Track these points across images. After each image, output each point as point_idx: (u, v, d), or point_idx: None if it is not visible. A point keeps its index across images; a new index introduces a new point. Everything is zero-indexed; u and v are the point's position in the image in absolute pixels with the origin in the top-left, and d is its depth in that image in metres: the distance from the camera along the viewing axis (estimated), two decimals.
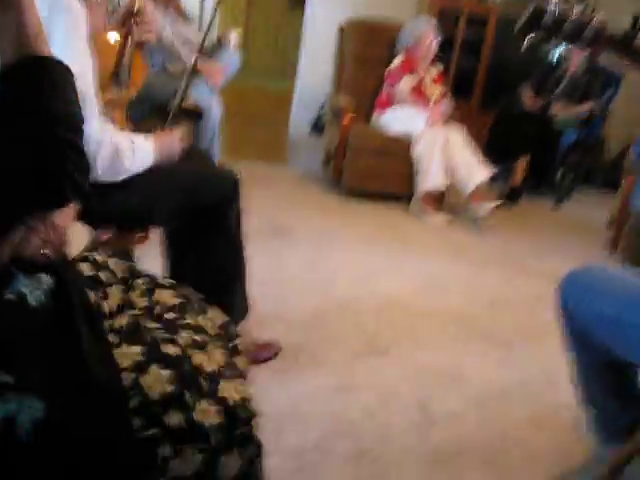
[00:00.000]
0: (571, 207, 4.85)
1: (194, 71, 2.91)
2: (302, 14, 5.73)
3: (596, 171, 5.46)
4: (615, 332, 1.48)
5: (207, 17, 5.76)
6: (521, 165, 4.61)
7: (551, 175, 4.83)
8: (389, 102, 4.16)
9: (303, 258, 3.07)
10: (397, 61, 4.20)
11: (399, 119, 4.04)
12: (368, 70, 4.40)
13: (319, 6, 5.57)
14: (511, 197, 4.60)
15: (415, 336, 2.49)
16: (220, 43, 3.61)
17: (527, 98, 4.80)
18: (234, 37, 3.59)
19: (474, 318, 2.73)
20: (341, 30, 4.48)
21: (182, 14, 3.54)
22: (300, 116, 5.81)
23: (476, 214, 3.91)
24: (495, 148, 4.80)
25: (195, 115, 3.33)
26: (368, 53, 4.42)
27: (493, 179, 5.02)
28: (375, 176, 4.04)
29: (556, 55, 5.33)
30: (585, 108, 4.71)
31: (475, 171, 3.91)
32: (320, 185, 4.26)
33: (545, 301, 2.05)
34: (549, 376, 2.31)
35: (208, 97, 3.38)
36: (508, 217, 4.27)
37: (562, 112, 4.69)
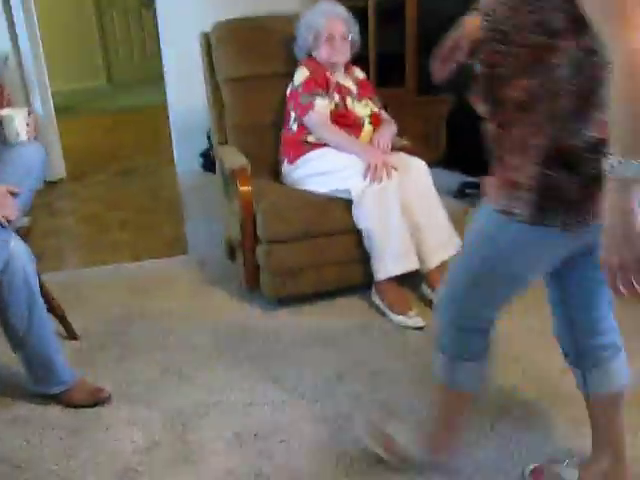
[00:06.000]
0: None
1: None
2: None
3: None
4: None
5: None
6: None
7: None
8: (301, 143, 2.68)
9: None
10: (298, 77, 2.71)
11: (324, 171, 2.59)
12: (258, 95, 2.90)
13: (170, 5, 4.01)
14: None
15: None
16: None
17: None
18: (21, 121, 2.03)
19: None
20: (205, 38, 2.93)
21: None
22: (185, 151, 4.30)
23: (432, 298, 2.48)
24: (460, 150, 3.45)
25: None
26: (252, 69, 2.92)
27: (464, 195, 3.72)
28: (308, 269, 2.59)
29: None
30: None
31: (441, 241, 2.53)
32: (229, 286, 2.80)
33: None
34: None
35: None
36: None
37: None
